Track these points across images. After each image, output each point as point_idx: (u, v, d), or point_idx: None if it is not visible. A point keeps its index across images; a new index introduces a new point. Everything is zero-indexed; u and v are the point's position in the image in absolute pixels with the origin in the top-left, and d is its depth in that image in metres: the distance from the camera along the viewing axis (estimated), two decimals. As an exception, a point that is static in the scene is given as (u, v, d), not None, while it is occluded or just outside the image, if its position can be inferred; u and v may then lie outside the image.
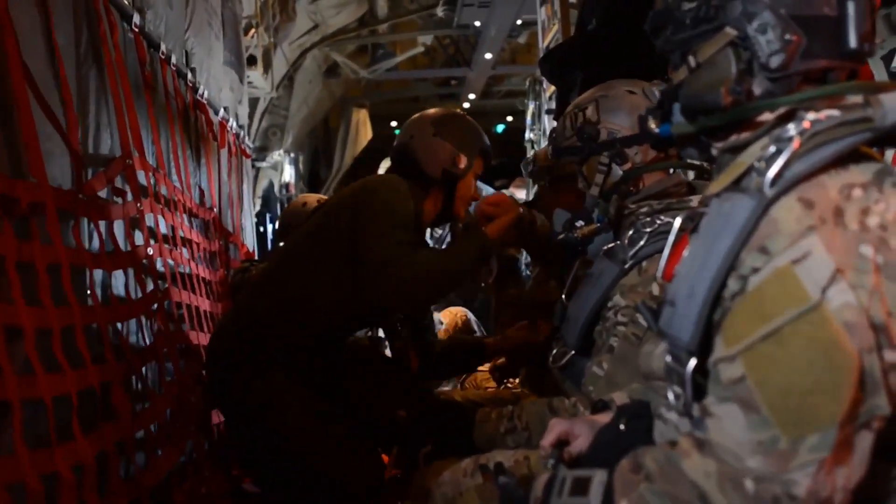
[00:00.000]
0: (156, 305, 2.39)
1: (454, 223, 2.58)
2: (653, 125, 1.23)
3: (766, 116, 1.13)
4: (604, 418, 1.38)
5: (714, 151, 1.21)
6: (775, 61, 1.09)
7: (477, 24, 8.46)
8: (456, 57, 10.27)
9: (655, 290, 1.64)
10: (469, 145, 2.42)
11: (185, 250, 2.84)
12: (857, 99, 1.04)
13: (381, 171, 6.33)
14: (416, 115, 2.53)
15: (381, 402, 2.47)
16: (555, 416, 1.75)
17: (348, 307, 2.29)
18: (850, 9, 1.08)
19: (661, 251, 1.36)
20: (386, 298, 2.18)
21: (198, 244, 3.06)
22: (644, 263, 1.73)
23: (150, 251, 2.40)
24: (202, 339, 2.84)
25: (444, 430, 2.03)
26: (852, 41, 1.08)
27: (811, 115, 1.02)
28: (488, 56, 9.37)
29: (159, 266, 2.51)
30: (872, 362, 0.93)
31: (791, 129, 1.01)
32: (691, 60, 1.15)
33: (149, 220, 2.40)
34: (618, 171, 1.86)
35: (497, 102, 11.98)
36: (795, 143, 1.00)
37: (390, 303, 2.24)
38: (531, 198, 4.37)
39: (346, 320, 2.38)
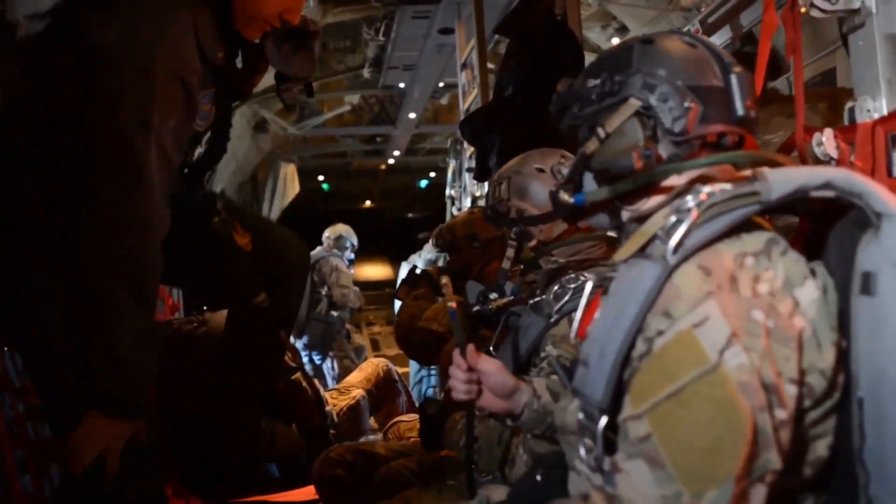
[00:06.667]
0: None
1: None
2: (566, 197, 1.29)
3: (673, 180, 1.22)
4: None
5: (625, 216, 1.28)
6: (679, 126, 1.19)
7: (401, 85, 8.63)
8: (381, 115, 10.41)
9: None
10: None
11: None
12: (746, 172, 1.12)
13: (326, 235, 6.60)
14: None
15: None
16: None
17: None
18: (733, 81, 1.22)
19: None
20: None
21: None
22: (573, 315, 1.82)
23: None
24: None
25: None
26: (739, 108, 1.22)
27: (707, 188, 1.10)
28: (412, 115, 9.55)
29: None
30: (765, 420, 0.98)
31: (690, 200, 1.08)
32: (600, 132, 1.24)
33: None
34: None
35: (420, 159, 12.12)
36: (694, 214, 1.07)
37: None
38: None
39: None
